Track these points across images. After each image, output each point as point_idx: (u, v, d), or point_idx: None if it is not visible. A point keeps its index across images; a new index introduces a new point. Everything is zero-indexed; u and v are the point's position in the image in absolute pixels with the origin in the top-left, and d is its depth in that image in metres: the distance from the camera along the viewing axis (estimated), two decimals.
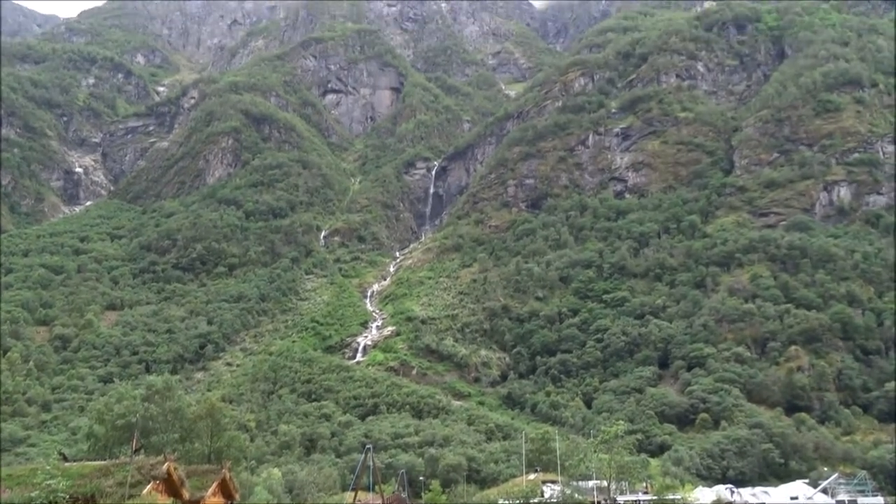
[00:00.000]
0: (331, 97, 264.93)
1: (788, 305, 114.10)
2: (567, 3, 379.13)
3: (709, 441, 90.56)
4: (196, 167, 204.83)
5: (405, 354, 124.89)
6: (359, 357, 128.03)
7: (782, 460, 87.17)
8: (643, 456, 78.01)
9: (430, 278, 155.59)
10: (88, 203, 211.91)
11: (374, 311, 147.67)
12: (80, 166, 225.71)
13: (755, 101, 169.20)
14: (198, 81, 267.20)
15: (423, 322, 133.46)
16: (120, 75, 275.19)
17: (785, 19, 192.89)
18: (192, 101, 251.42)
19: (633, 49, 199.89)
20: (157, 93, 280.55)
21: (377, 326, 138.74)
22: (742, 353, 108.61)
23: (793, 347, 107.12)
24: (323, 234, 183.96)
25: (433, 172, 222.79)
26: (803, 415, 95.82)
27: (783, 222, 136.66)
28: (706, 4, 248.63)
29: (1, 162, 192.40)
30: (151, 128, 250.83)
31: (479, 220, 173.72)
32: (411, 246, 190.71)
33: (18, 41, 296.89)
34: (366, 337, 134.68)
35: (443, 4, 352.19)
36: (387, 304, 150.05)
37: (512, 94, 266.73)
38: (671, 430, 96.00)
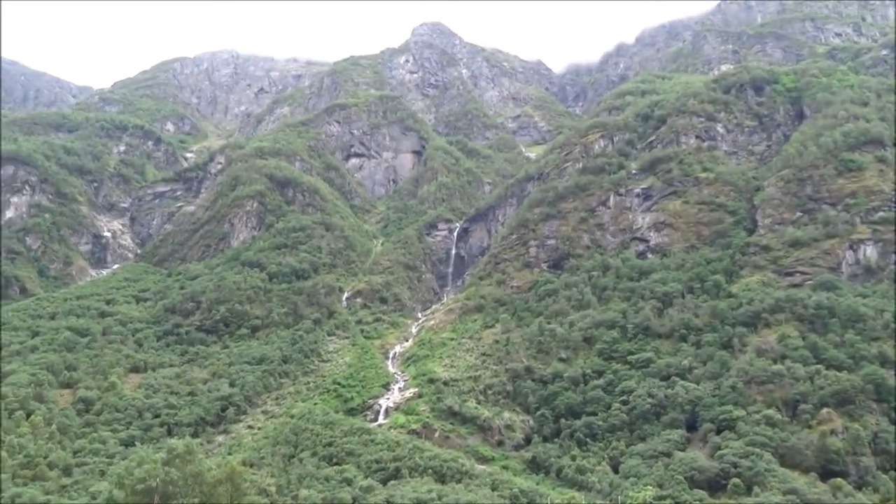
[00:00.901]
0: (354, 161, 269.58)
1: (818, 366, 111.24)
2: (585, 67, 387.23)
3: None
4: (221, 230, 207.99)
5: (427, 417, 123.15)
6: (381, 419, 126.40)
7: None
8: None
9: (452, 339, 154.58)
10: (115, 266, 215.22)
11: (395, 373, 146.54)
12: (109, 230, 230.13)
13: (776, 161, 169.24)
14: (224, 147, 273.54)
15: (445, 384, 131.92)
16: (150, 142, 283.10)
17: (802, 81, 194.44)
18: (219, 167, 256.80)
19: (652, 111, 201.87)
20: (186, 159, 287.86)
21: (399, 388, 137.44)
22: (773, 415, 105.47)
23: (825, 410, 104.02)
24: (345, 295, 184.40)
25: (455, 234, 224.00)
26: (839, 480, 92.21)
27: (809, 281, 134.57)
28: (723, 67, 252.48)
29: (3, 228, 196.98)
30: (179, 193, 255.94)
31: (501, 281, 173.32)
32: (433, 307, 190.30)
33: (54, 111, 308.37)
34: (388, 399, 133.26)
35: (463, 71, 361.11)
36: (409, 365, 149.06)
37: (532, 156, 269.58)
38: (702, 496, 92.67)
